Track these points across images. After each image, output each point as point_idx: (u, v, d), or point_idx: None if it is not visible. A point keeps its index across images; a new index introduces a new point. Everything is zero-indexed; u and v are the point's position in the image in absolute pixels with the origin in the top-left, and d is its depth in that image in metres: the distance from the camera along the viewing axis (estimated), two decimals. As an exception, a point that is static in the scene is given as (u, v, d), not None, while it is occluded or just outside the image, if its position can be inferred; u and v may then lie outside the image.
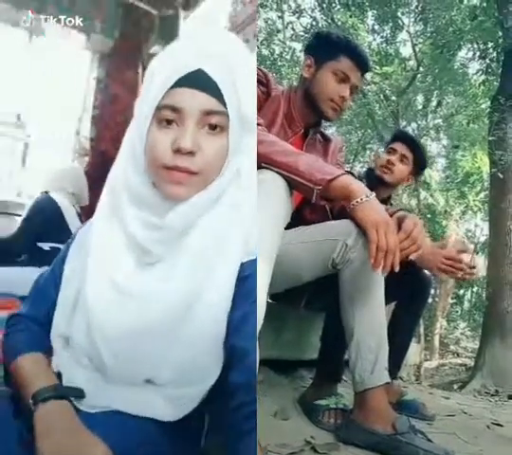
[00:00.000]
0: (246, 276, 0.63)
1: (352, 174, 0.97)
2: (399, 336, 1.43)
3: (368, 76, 6.32)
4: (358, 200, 0.93)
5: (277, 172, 0.92)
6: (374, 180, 1.75)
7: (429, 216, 8.18)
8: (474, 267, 1.31)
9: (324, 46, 1.25)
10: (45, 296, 0.74)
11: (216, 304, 0.61)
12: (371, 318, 1.07)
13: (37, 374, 0.64)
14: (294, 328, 1.60)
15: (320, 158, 1.33)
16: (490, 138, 5.07)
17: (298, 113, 1.28)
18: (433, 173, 8.54)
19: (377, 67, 6.16)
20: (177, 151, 0.60)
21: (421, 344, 3.00)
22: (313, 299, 1.35)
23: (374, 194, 0.95)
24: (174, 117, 0.61)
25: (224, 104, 0.62)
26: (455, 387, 4.45)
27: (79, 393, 0.63)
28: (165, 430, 0.61)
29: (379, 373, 1.04)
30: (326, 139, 1.39)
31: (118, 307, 0.63)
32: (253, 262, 0.64)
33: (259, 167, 0.93)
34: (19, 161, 3.56)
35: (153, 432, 0.61)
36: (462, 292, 8.70)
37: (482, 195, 7.97)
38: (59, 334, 0.70)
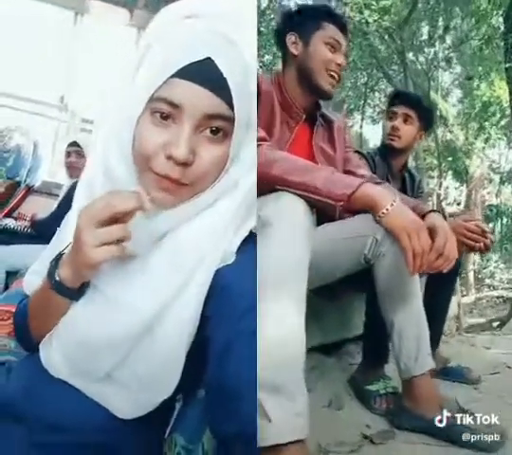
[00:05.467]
0: (225, 285, 0.56)
1: (361, 154, 0.93)
2: (435, 310, 1.45)
3: (366, 14, 5.88)
4: (384, 211, 0.93)
5: (295, 194, 0.89)
6: (385, 152, 1.71)
7: (450, 159, 7.86)
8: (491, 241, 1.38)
9: (304, 19, 1.21)
10: None
11: (184, 319, 0.57)
12: (409, 308, 1.10)
13: None
14: (334, 310, 1.64)
15: (331, 151, 1.30)
16: (507, 65, 4.73)
17: (293, 97, 1.22)
18: (448, 107, 8.12)
19: (374, 3, 5.71)
20: (170, 157, 0.53)
21: (458, 296, 3.04)
22: (351, 291, 1.38)
23: (398, 198, 0.95)
24: (171, 112, 0.53)
25: (231, 107, 0.53)
26: (495, 325, 4.54)
27: None
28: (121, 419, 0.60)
29: (423, 360, 1.09)
30: (328, 121, 1.33)
31: (86, 307, 0.60)
32: (233, 270, 0.57)
33: (274, 190, 0.91)
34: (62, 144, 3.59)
35: (106, 415, 0.60)
36: (491, 225, 8.58)
37: (502, 123, 7.58)
38: None
